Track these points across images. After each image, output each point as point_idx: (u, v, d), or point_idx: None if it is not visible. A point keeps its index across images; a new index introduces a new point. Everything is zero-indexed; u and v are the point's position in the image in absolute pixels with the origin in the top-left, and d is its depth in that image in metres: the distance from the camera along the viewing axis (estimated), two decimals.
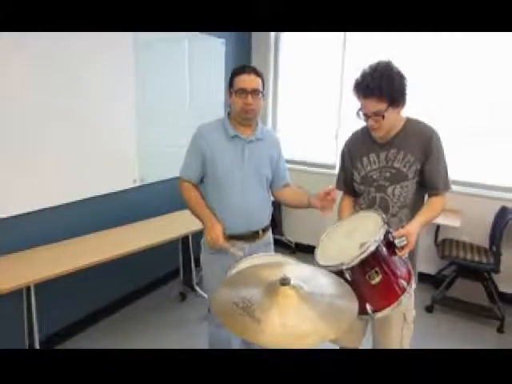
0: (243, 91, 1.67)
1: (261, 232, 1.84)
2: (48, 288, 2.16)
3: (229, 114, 1.80)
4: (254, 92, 1.68)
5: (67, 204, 2.47)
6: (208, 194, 1.81)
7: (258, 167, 1.79)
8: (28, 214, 2.26)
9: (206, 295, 2.66)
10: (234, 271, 1.38)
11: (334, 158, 3.79)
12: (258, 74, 1.71)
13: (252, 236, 1.81)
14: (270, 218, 1.92)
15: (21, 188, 2.21)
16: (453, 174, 1.60)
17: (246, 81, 1.68)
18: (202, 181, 1.83)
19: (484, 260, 2.85)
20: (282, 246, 4.01)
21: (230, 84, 1.74)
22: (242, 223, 1.78)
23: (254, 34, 4.04)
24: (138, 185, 2.94)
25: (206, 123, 1.83)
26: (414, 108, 1.66)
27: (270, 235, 1.94)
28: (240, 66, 1.75)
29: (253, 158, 1.77)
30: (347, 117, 3.62)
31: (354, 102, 1.54)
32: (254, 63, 3.96)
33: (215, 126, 1.79)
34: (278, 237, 1.99)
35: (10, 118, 2.12)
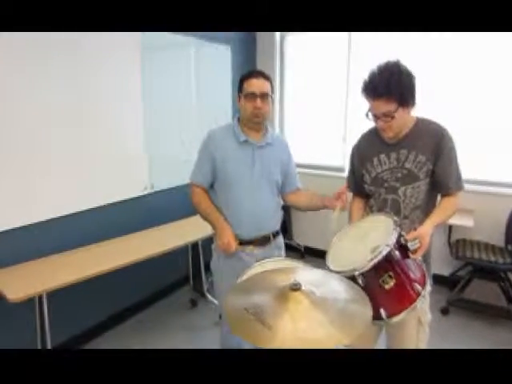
0: (252, 95, 1.67)
1: (271, 237, 1.83)
2: (59, 296, 2.16)
3: (238, 119, 1.80)
4: (263, 96, 1.68)
5: (78, 213, 2.48)
6: (218, 198, 1.81)
7: (268, 172, 1.78)
8: (38, 223, 2.28)
9: (216, 302, 2.65)
10: (244, 277, 1.37)
11: (342, 160, 3.76)
12: (266, 77, 1.72)
13: (263, 241, 1.80)
14: (281, 222, 1.91)
15: (31, 198, 2.23)
16: (465, 172, 1.56)
17: (255, 85, 1.68)
18: (212, 186, 1.82)
19: (500, 260, 2.79)
20: (291, 250, 3.98)
21: (239, 89, 1.74)
22: (253, 228, 1.77)
23: (258, 39, 4.05)
24: (148, 192, 2.95)
25: (215, 128, 1.83)
26: (424, 107, 1.64)
27: (281, 240, 1.93)
28: (249, 71, 1.76)
29: (263, 162, 1.76)
30: (355, 119, 3.59)
31: (361, 104, 1.52)
32: (260, 68, 3.96)
33: (225, 130, 1.79)
34: (286, 241, 1.99)
35: (21, 127, 2.14)
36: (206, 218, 1.81)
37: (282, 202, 1.93)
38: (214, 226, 1.77)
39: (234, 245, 1.69)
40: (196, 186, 1.81)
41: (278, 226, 1.88)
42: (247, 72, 1.76)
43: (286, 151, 1.89)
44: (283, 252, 1.95)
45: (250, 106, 1.69)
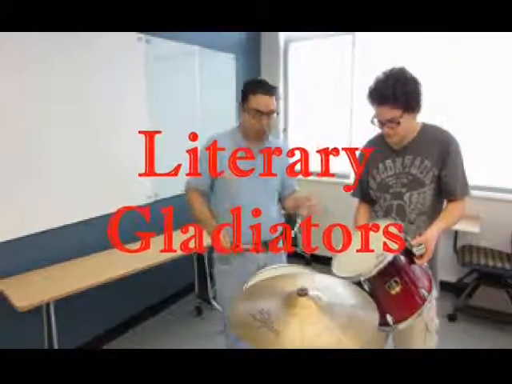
0: (259, 113, 1.65)
1: (271, 243, 1.83)
2: (66, 304, 2.17)
3: (240, 125, 1.80)
4: (270, 113, 1.68)
5: (84, 221, 2.50)
6: (218, 203, 1.82)
7: (268, 178, 1.79)
8: (44, 232, 2.29)
9: (221, 309, 2.63)
10: (250, 283, 1.37)
11: (347, 166, 3.76)
12: (273, 92, 1.69)
13: (264, 246, 1.80)
14: (282, 228, 1.90)
15: (37, 206, 2.24)
16: (471, 178, 1.56)
17: (263, 102, 1.65)
18: (212, 189, 1.82)
19: (506, 266, 2.77)
20: (296, 257, 3.97)
21: (244, 98, 1.70)
22: (253, 233, 1.77)
23: (262, 47, 4.09)
24: (152, 200, 2.96)
25: (218, 132, 1.83)
26: (429, 111, 1.64)
27: (281, 245, 1.92)
28: (255, 82, 1.73)
29: (263, 168, 1.77)
30: (360, 125, 3.59)
31: (367, 110, 1.54)
32: (264, 76, 3.99)
33: (227, 135, 1.80)
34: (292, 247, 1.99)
35: (22, 134, 2.16)
36: (198, 221, 1.80)
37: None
38: (206, 229, 1.78)
39: (228, 242, 1.67)
40: (192, 188, 1.81)
41: (278, 232, 1.88)
42: (253, 81, 1.74)
43: (286, 157, 1.90)
44: (284, 258, 1.94)
45: (255, 122, 1.67)
